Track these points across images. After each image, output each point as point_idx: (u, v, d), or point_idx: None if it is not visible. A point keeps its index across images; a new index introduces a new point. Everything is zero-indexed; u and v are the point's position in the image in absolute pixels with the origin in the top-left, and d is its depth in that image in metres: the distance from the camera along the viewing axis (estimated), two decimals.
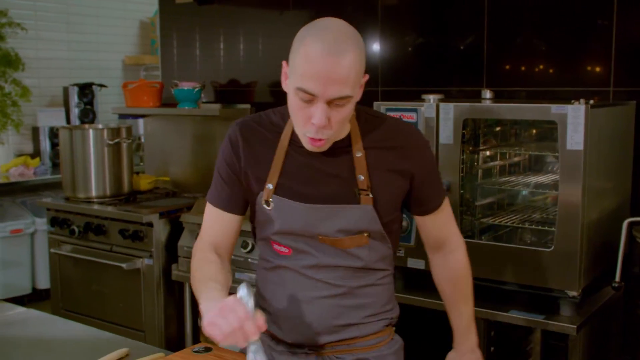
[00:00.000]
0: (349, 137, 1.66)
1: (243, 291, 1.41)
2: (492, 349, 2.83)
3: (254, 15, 4.14)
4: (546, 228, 2.79)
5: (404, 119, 2.79)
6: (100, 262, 3.80)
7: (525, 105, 2.66)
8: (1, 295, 4.94)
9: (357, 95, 1.57)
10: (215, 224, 1.75)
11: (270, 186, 1.66)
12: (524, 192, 3.03)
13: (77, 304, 4.05)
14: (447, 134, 2.75)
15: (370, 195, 1.64)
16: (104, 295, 3.89)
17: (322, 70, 1.47)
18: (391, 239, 1.73)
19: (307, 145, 1.60)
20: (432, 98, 2.79)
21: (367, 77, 1.60)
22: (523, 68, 3.28)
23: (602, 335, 2.90)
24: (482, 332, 2.76)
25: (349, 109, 1.55)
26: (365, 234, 1.66)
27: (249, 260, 3.43)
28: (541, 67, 3.23)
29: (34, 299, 5.10)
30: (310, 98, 1.51)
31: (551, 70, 3.20)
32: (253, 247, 3.39)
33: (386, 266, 1.77)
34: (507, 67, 3.31)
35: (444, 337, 2.97)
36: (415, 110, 2.78)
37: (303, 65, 1.50)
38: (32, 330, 1.99)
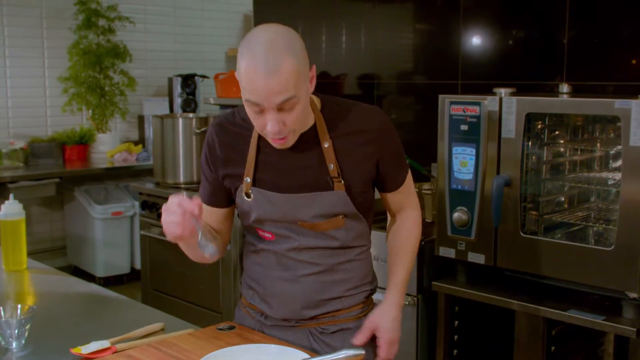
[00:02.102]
0: (315, 128, 1.75)
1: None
2: (552, 348, 2.78)
3: (345, 7, 4.20)
4: (610, 227, 2.71)
5: (467, 113, 2.79)
6: None
7: (588, 100, 2.59)
8: (102, 274, 5.28)
9: (307, 90, 1.64)
10: (208, 217, 1.87)
11: (248, 179, 1.77)
12: (590, 189, 2.95)
13: (163, 284, 4.26)
14: (509, 127, 2.71)
15: (342, 182, 1.74)
16: (187, 277, 4.07)
17: (261, 86, 1.54)
18: (365, 217, 1.85)
19: (273, 143, 1.69)
20: (502, 92, 2.76)
21: (313, 67, 1.67)
22: (607, 61, 3.17)
23: None
24: (541, 331, 2.72)
25: (300, 107, 1.61)
26: (341, 216, 1.77)
27: None
28: (627, 59, 3.11)
29: (132, 278, 5.40)
30: (259, 109, 1.59)
31: (636, 64, 3.08)
32: None
33: (363, 242, 1.88)
34: (590, 59, 3.21)
35: (503, 332, 2.95)
36: (478, 104, 2.76)
37: (244, 81, 1.58)
38: (88, 303, 2.15)
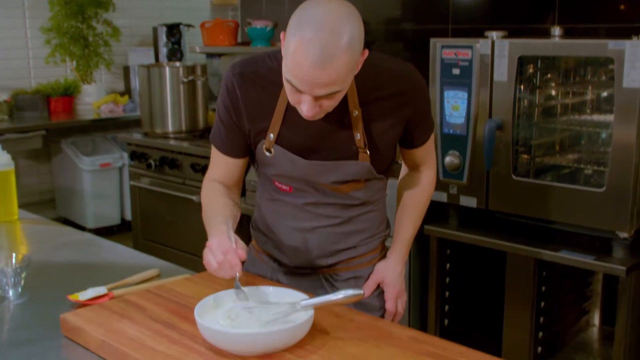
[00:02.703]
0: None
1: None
2: (543, 288, 2.82)
3: None
4: (601, 169, 2.72)
5: (459, 56, 2.77)
6: (174, 195, 3.98)
7: (581, 42, 2.57)
8: (92, 225, 5.27)
9: (352, 77, 1.52)
10: (219, 165, 1.80)
11: (272, 136, 1.68)
12: (581, 131, 2.95)
13: (154, 234, 4.27)
14: (501, 71, 2.70)
15: (368, 152, 1.69)
16: (178, 226, 4.08)
17: (307, 77, 1.42)
18: (385, 175, 1.80)
19: (303, 115, 1.54)
20: (494, 35, 2.74)
21: (365, 52, 1.52)
22: (599, 3, 3.14)
23: None
24: (532, 272, 2.75)
25: (341, 95, 1.52)
26: (362, 180, 1.73)
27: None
28: (618, 1, 3.08)
29: (122, 229, 5.39)
30: (296, 89, 1.48)
31: (628, 5, 3.05)
32: None
33: (381, 195, 1.84)
34: (582, 2, 3.18)
35: (495, 274, 2.98)
36: (470, 48, 2.74)
37: (291, 61, 1.44)
38: (83, 252, 2.15)
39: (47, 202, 5.62)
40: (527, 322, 2.80)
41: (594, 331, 3.25)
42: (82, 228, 5.23)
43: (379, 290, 1.86)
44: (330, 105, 1.52)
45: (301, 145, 1.68)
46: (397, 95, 1.67)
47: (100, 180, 5.25)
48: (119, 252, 2.15)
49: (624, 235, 2.51)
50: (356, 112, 1.64)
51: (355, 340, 1.40)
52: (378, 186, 1.80)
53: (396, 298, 1.85)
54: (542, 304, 2.83)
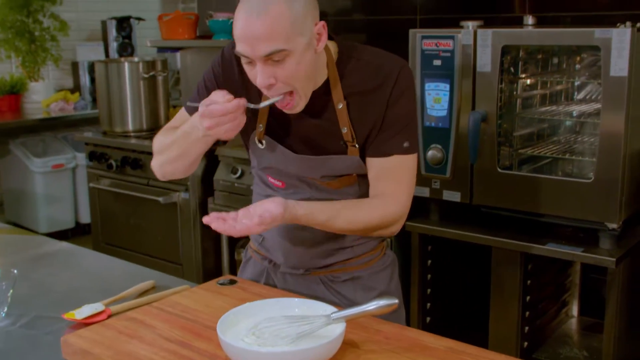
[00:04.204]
0: (327, 83, 1.60)
1: None
2: (528, 282, 2.78)
3: None
4: (587, 159, 2.70)
5: (440, 47, 2.71)
6: (137, 196, 3.83)
7: (567, 30, 2.54)
8: (45, 230, 5.05)
9: (308, 45, 1.48)
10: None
11: (261, 126, 1.67)
12: (566, 122, 2.93)
13: (116, 237, 4.10)
14: (484, 61, 2.64)
15: (356, 146, 1.62)
16: (143, 229, 3.92)
17: (245, 33, 1.43)
18: None
19: (280, 107, 1.55)
20: (470, 25, 2.68)
21: (321, 24, 1.50)
22: None
23: None
24: (518, 265, 2.71)
25: (294, 60, 1.46)
26: (354, 175, 1.66)
27: (236, 185, 3.46)
28: None
29: (77, 233, 5.19)
30: (248, 60, 1.48)
31: None
32: (243, 173, 3.43)
33: None
34: None
35: (477, 269, 2.94)
36: (452, 38, 2.68)
37: (234, 29, 1.47)
38: (64, 263, 2.01)
39: None
40: (513, 317, 2.76)
41: (574, 322, 3.25)
42: (34, 233, 5.01)
43: (374, 294, 1.76)
44: (284, 75, 1.47)
45: (288, 137, 1.65)
46: (381, 90, 1.59)
47: (53, 182, 5.03)
48: (104, 261, 2.02)
49: (612, 226, 2.49)
50: (341, 105, 1.59)
51: (389, 352, 1.31)
52: None
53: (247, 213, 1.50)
54: (528, 297, 2.80)
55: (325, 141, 1.63)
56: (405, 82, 1.61)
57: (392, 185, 1.62)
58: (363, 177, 1.68)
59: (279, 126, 1.66)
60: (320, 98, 1.59)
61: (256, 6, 1.42)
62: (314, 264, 1.74)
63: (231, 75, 1.67)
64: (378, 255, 1.80)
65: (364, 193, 1.69)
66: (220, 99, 1.49)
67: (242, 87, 1.64)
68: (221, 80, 1.67)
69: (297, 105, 1.54)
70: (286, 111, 1.56)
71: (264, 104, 1.54)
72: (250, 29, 1.42)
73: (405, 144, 1.61)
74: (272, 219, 1.47)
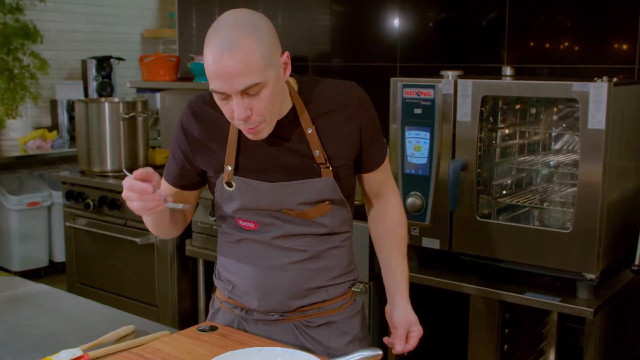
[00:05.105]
0: (294, 111, 1.67)
1: None
2: (506, 330, 2.78)
3: None
4: (565, 209, 2.73)
5: (421, 96, 2.74)
6: (114, 237, 3.80)
7: (546, 83, 2.58)
8: (19, 268, 4.98)
9: (277, 76, 1.56)
10: (170, 196, 1.75)
11: (229, 168, 1.69)
12: (544, 172, 2.97)
13: (91, 277, 4.05)
14: (465, 111, 2.68)
15: (330, 167, 1.69)
16: (118, 270, 3.88)
17: (220, 70, 1.48)
18: (349, 202, 1.80)
19: (247, 134, 1.62)
20: (450, 74, 2.73)
21: (285, 54, 1.59)
22: (546, 44, 3.19)
23: (620, 319, 2.84)
24: (496, 314, 2.72)
25: (268, 92, 1.53)
26: (327, 202, 1.72)
27: (214, 227, 3.47)
28: (565, 44, 3.14)
29: (50, 272, 5.13)
30: (224, 96, 1.53)
31: (575, 47, 3.11)
32: None
33: (347, 228, 1.83)
34: (529, 43, 3.22)
35: (458, 316, 2.94)
36: (432, 87, 2.72)
37: (207, 68, 1.51)
38: (41, 305, 1.97)
39: None
40: None
41: None
42: (7, 271, 4.93)
43: (348, 340, 1.81)
44: (261, 107, 1.54)
45: (261, 169, 1.68)
46: (344, 108, 1.71)
47: (28, 220, 4.98)
48: (82, 304, 1.99)
49: (590, 276, 2.51)
50: (310, 130, 1.67)
51: None
52: (343, 215, 1.78)
53: (404, 337, 1.86)
54: (505, 346, 2.80)
55: (298, 166, 1.68)
56: (365, 97, 1.76)
57: (388, 186, 1.89)
58: (335, 204, 1.73)
59: (250, 162, 1.69)
60: (290, 126, 1.66)
61: (227, 42, 1.47)
62: (289, 306, 1.74)
63: (189, 141, 1.73)
64: (349, 300, 1.84)
65: (336, 225, 1.76)
66: (137, 174, 1.55)
67: (208, 139, 1.71)
68: (188, 154, 1.74)
69: (262, 131, 1.59)
70: (251, 137, 1.61)
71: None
72: (224, 65, 1.47)
73: (385, 149, 1.85)
74: (419, 330, 1.89)
